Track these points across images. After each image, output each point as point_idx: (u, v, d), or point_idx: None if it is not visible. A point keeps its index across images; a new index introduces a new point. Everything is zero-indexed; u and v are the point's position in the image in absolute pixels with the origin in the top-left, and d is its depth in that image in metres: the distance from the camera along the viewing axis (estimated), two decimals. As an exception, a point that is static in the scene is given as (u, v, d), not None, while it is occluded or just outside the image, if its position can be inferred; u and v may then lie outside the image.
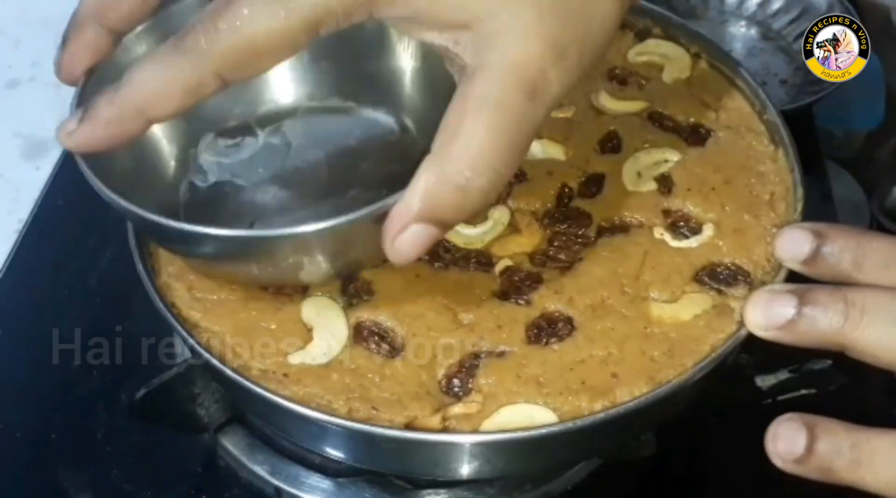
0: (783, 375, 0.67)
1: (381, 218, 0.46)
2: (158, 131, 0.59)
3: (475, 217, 0.45)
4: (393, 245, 0.46)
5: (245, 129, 0.63)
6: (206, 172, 0.62)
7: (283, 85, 0.64)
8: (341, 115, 0.65)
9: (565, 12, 0.46)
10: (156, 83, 0.47)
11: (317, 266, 0.54)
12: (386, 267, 0.62)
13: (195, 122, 0.61)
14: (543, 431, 0.53)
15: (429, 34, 0.48)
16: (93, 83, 0.53)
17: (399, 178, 0.46)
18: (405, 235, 0.45)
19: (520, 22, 0.45)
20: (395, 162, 0.58)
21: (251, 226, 0.58)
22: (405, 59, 0.62)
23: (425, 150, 0.46)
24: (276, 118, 0.64)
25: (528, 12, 0.45)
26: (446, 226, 0.46)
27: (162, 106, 0.47)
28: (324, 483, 0.70)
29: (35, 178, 0.91)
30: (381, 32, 0.61)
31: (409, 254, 0.46)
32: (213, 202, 0.61)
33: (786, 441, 0.47)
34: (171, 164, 0.62)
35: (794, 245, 0.51)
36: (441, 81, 0.50)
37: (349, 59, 0.62)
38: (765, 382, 0.68)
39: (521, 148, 0.47)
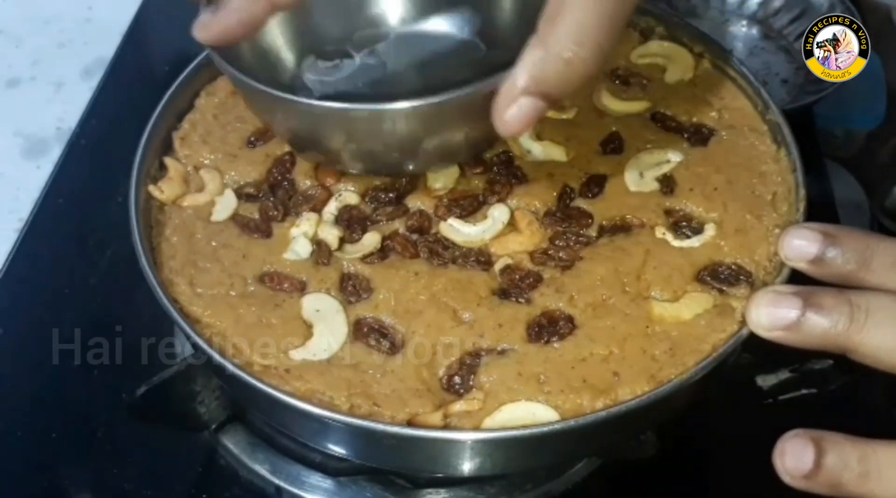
0: (784, 374, 0.67)
1: (487, 97, 0.50)
2: (272, 52, 0.66)
3: (576, 91, 0.50)
4: (503, 118, 0.50)
5: (342, 53, 0.67)
6: (310, 90, 0.65)
7: (377, 9, 0.69)
8: (430, 37, 0.68)
9: None
10: None
11: (421, 146, 0.57)
12: (384, 265, 0.62)
13: (298, 46, 0.67)
14: (545, 428, 0.53)
15: None
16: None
17: None
18: (514, 109, 0.49)
19: None
20: (482, 76, 0.60)
21: None
22: None
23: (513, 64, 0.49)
24: (370, 42, 0.68)
25: None
26: (552, 100, 0.49)
27: None
28: (324, 482, 0.70)
29: (35, 177, 0.91)
30: None
31: (518, 127, 0.50)
32: None
33: (793, 457, 0.46)
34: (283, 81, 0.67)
35: (802, 245, 0.51)
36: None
37: None
38: (765, 381, 0.68)
39: (621, 22, 0.49)
